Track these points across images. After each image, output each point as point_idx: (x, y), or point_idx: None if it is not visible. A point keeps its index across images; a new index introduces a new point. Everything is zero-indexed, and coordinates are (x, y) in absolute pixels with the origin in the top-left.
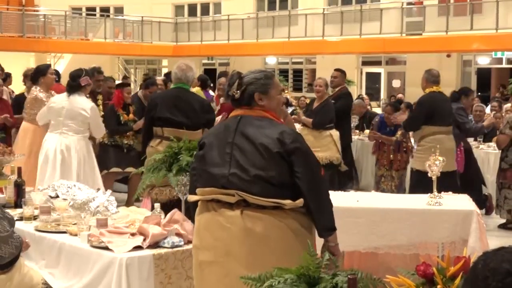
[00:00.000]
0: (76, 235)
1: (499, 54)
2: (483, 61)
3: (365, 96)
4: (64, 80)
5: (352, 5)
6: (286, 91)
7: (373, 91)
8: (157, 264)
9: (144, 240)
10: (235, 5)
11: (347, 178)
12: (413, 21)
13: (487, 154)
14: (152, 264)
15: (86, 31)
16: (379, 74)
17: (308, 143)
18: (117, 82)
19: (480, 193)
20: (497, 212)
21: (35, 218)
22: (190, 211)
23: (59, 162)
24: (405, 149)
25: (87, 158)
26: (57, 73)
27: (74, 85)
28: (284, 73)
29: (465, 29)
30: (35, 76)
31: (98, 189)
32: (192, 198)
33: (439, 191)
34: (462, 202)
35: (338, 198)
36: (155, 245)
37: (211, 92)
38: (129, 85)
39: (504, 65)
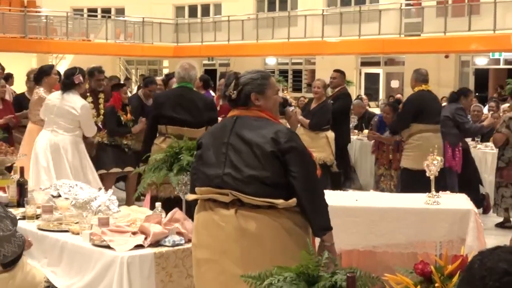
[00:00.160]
0: (78, 234)
1: (496, 55)
2: (481, 61)
3: (364, 96)
4: None
5: (351, 6)
6: (285, 91)
7: (372, 92)
8: (158, 263)
9: (145, 238)
10: (235, 6)
11: (342, 178)
12: (412, 22)
13: (484, 154)
14: (153, 263)
15: (88, 32)
16: (377, 74)
17: (305, 143)
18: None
19: (478, 192)
20: (495, 211)
21: (37, 217)
22: (191, 210)
23: (50, 161)
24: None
25: (77, 158)
26: (58, 74)
27: (67, 83)
28: (283, 73)
29: (463, 30)
30: (38, 76)
31: (100, 189)
32: (190, 197)
33: (424, 189)
34: (460, 201)
35: (337, 198)
36: (156, 243)
37: (212, 93)
38: (125, 85)
39: (502, 65)
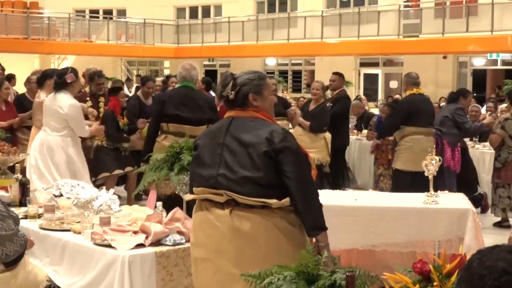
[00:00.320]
0: (79, 233)
1: (494, 56)
2: (479, 62)
3: (363, 97)
4: None
5: (350, 7)
6: (285, 92)
7: (370, 92)
8: (159, 262)
9: (146, 238)
10: (235, 8)
11: (340, 180)
12: (410, 23)
13: (482, 154)
14: (154, 262)
15: (90, 33)
16: (376, 75)
17: (303, 144)
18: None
19: (475, 192)
20: (493, 211)
21: (39, 216)
22: (191, 209)
23: (39, 160)
24: None
25: (62, 159)
26: None
27: (59, 83)
28: (283, 74)
29: (461, 31)
30: (41, 79)
31: (101, 188)
32: (188, 197)
33: (414, 190)
34: (458, 201)
35: (337, 197)
36: (157, 243)
37: (212, 93)
38: (121, 89)
39: (499, 66)
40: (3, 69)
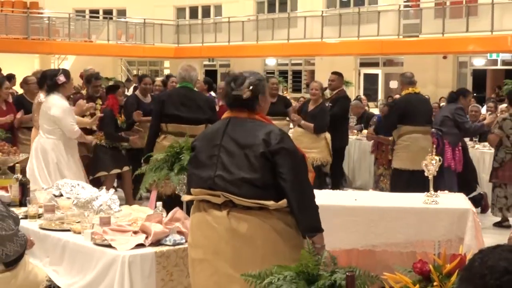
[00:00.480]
0: (79, 233)
1: (494, 56)
2: (479, 62)
3: (363, 97)
4: None
5: (350, 7)
6: (285, 92)
7: (370, 92)
8: (159, 262)
9: (146, 238)
10: (235, 8)
11: (339, 178)
12: (410, 23)
13: (482, 153)
14: (154, 262)
15: (90, 33)
16: (376, 75)
17: (304, 145)
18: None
19: (474, 191)
20: (492, 211)
21: (39, 216)
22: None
23: (34, 162)
24: None
25: (56, 162)
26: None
27: (51, 84)
28: (283, 74)
29: (461, 31)
30: (41, 80)
31: (101, 188)
32: (185, 198)
33: (412, 189)
34: (458, 201)
35: (337, 197)
36: (157, 243)
37: (212, 94)
38: (119, 87)
39: (499, 66)
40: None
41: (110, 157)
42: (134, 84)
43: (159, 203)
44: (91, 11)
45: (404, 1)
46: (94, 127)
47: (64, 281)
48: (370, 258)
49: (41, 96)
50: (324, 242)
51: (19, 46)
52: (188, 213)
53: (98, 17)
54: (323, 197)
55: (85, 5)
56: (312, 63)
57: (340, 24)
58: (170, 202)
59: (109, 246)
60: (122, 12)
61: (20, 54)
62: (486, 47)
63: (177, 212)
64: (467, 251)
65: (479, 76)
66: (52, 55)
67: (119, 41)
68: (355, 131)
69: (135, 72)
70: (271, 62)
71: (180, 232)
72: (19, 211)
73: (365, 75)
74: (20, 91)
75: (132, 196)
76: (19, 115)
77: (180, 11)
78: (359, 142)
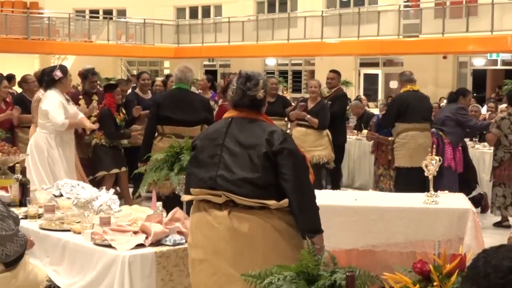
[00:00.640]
0: (79, 233)
1: (494, 56)
2: (479, 62)
3: (363, 97)
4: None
5: (350, 7)
6: (285, 92)
7: (370, 92)
8: (159, 262)
9: (146, 238)
10: (235, 8)
11: (337, 175)
12: (410, 23)
13: (482, 153)
14: (154, 262)
15: (90, 33)
16: (376, 75)
17: (308, 143)
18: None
19: (473, 191)
20: (492, 210)
21: (39, 216)
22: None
23: (29, 159)
24: None
25: (47, 157)
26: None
27: (48, 80)
28: (283, 74)
29: (461, 31)
30: (41, 77)
31: (101, 188)
32: (185, 198)
33: (403, 187)
34: (458, 201)
35: (337, 197)
36: (157, 243)
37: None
38: (117, 86)
39: (499, 66)
40: None
41: (110, 157)
42: (133, 84)
43: (159, 203)
44: (91, 11)
45: (404, 1)
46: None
47: (64, 281)
48: (370, 258)
49: (40, 93)
50: (324, 242)
51: (19, 46)
52: (188, 213)
53: (98, 17)
54: (323, 197)
55: (85, 5)
56: (312, 63)
57: (340, 24)
58: (170, 202)
59: (109, 246)
60: (122, 12)
61: (20, 54)
62: (486, 47)
63: (177, 212)
64: (467, 251)
65: (479, 76)
66: (52, 55)
67: (119, 41)
68: (355, 131)
69: (135, 72)
70: (271, 62)
71: (180, 232)
72: (19, 211)
73: (365, 75)
74: (20, 91)
75: (129, 196)
76: (15, 112)
77: (180, 11)
78: (359, 142)
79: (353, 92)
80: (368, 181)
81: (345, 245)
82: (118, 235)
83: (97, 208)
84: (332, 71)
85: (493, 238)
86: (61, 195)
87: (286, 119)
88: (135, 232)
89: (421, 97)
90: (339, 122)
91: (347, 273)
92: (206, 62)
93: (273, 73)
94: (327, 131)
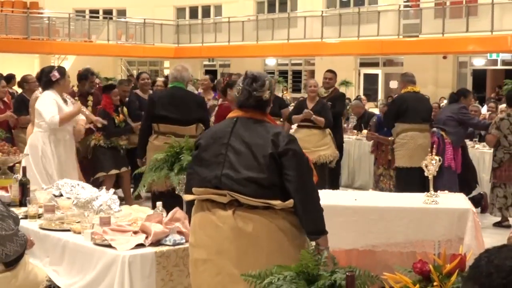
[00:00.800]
0: (79, 233)
1: (494, 56)
2: (479, 62)
3: (363, 97)
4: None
5: (350, 7)
6: (285, 92)
7: (370, 92)
8: (159, 262)
9: (146, 238)
10: (235, 8)
11: (336, 175)
12: (410, 23)
13: (482, 154)
14: (154, 262)
15: (90, 33)
16: (376, 75)
17: (312, 144)
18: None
19: (473, 190)
20: (491, 210)
21: (39, 216)
22: (191, 209)
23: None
24: None
25: (41, 156)
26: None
27: (46, 81)
28: (283, 74)
29: (461, 31)
30: (39, 77)
31: (101, 188)
32: (187, 197)
33: (403, 187)
34: (458, 201)
35: (337, 197)
36: (157, 243)
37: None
38: (114, 87)
39: (499, 66)
40: None
41: (109, 158)
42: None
43: (159, 203)
44: (91, 11)
45: (404, 1)
46: (93, 126)
47: (64, 281)
48: (370, 258)
49: (38, 93)
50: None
51: (19, 46)
52: (188, 212)
53: (98, 17)
54: (323, 197)
55: (85, 5)
56: (312, 63)
57: (340, 24)
58: (170, 202)
59: (109, 246)
60: (122, 12)
61: (20, 54)
62: (486, 47)
63: (177, 212)
64: (467, 251)
65: (479, 76)
66: (52, 55)
67: (119, 41)
68: (355, 131)
69: (135, 72)
70: (271, 62)
71: (180, 232)
72: (19, 211)
73: (365, 75)
74: (20, 91)
75: (131, 197)
76: (8, 113)
77: (180, 11)
78: (359, 142)
79: (353, 92)
80: (368, 181)
81: (345, 245)
82: (118, 235)
83: (97, 208)
84: (330, 71)
85: (493, 238)
86: (61, 195)
87: (281, 119)
88: (135, 232)
89: (421, 98)
90: (340, 122)
91: (347, 273)
92: (206, 62)
93: (273, 73)
94: (328, 130)
